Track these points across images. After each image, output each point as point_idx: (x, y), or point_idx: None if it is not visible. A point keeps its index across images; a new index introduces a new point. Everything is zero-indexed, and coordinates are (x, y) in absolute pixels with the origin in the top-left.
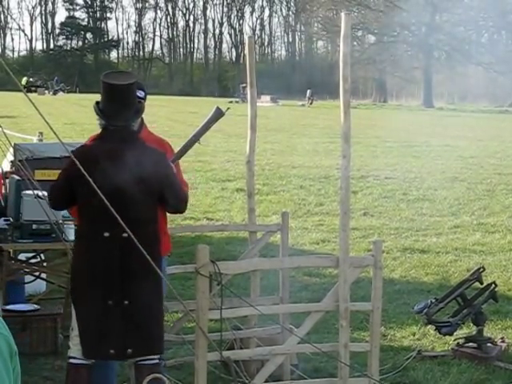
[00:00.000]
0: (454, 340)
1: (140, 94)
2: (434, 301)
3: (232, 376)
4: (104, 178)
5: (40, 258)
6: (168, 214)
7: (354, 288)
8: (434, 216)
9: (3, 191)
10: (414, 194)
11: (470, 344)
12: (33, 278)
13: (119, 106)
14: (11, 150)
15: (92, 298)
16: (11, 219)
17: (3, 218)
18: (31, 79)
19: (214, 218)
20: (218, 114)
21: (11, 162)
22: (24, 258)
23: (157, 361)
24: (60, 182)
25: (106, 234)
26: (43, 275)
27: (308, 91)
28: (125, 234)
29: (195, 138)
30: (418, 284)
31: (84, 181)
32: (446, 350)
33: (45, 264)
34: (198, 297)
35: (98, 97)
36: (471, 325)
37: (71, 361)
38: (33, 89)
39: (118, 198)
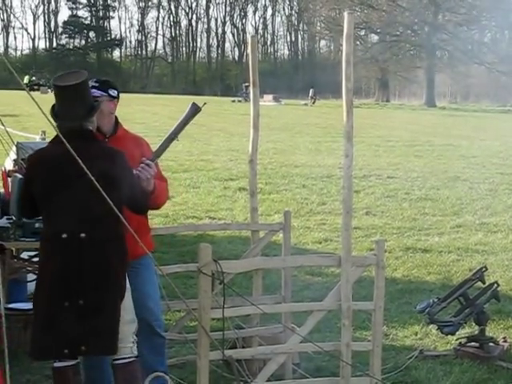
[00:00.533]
0: (456, 339)
1: (113, 92)
2: (436, 300)
3: (234, 375)
4: (58, 178)
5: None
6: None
7: (356, 287)
8: (437, 215)
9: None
10: (417, 193)
11: (472, 343)
12: (35, 276)
13: (67, 106)
14: (14, 148)
15: (49, 298)
16: (13, 218)
17: (6, 217)
18: (34, 78)
19: (217, 217)
20: (195, 110)
21: (14, 160)
22: (26, 257)
23: (132, 359)
24: (21, 187)
25: (64, 236)
26: None
27: (311, 90)
28: (82, 234)
29: (173, 136)
30: (421, 283)
31: (39, 183)
32: (448, 349)
33: None
34: (200, 296)
35: None
36: (473, 324)
37: (55, 365)
38: (35, 87)
39: (72, 199)
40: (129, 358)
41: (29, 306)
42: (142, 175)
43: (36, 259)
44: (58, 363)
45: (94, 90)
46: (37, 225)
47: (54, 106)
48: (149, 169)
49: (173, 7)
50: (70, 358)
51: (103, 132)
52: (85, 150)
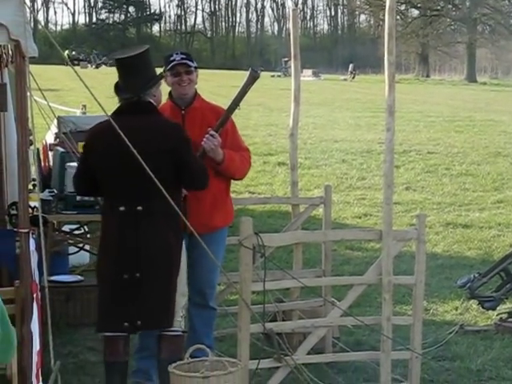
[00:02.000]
0: (497, 315)
1: (191, 63)
2: (477, 275)
3: (274, 348)
4: (115, 152)
5: (84, 229)
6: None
7: (395, 262)
8: (477, 191)
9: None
10: (457, 168)
11: None
12: (76, 249)
13: (126, 78)
14: (55, 122)
15: (110, 271)
16: (55, 191)
17: (47, 190)
18: (73, 52)
19: (256, 192)
20: (254, 77)
21: (55, 134)
22: (68, 230)
23: (179, 333)
24: (80, 161)
25: (122, 208)
26: (87, 247)
27: (350, 65)
28: (139, 207)
29: (234, 105)
30: (461, 259)
31: (98, 156)
32: (489, 324)
33: (88, 235)
34: (241, 269)
35: None
36: None
37: (106, 334)
38: (75, 62)
39: (130, 172)
40: (176, 331)
41: (70, 278)
42: (207, 146)
43: (77, 232)
44: (110, 333)
45: (187, 62)
46: (78, 198)
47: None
48: (213, 139)
49: None
50: (129, 332)
51: (179, 104)
52: (141, 122)
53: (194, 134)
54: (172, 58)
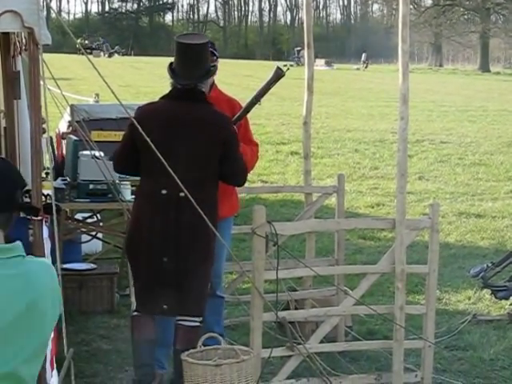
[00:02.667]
0: (510, 304)
1: (215, 52)
2: (490, 265)
3: (287, 336)
4: (165, 135)
5: (96, 217)
6: None
7: (408, 252)
8: (490, 181)
9: (61, 152)
10: (470, 158)
11: None
12: (89, 237)
13: (190, 65)
14: (68, 110)
15: (150, 254)
16: (68, 179)
17: (60, 178)
18: (86, 41)
19: (269, 181)
20: (279, 75)
21: (68, 122)
22: (81, 218)
23: (197, 324)
24: (124, 139)
25: (164, 192)
26: (99, 235)
27: (363, 55)
28: (182, 194)
29: (256, 100)
30: (474, 248)
31: (149, 137)
32: (502, 314)
33: (101, 224)
34: (254, 257)
35: (153, 60)
36: None
37: (135, 314)
38: (88, 51)
39: (177, 157)
40: (193, 321)
41: (83, 266)
42: None
43: (90, 220)
44: (138, 312)
45: (212, 50)
46: (91, 186)
47: (171, 64)
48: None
49: None
50: (168, 315)
51: None
52: (195, 110)
53: None
54: None
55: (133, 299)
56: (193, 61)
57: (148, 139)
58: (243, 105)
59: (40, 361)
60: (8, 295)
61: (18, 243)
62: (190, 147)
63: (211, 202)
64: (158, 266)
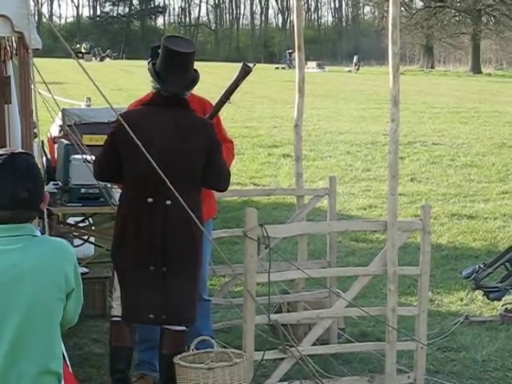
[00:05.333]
0: (502, 305)
1: None
2: (482, 266)
3: (279, 339)
4: (150, 142)
5: (88, 221)
6: None
7: (400, 253)
8: (482, 182)
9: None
10: (462, 159)
11: None
12: (81, 241)
13: (178, 73)
14: (59, 114)
15: (134, 262)
16: (60, 183)
17: (52, 182)
18: (78, 45)
19: (261, 184)
20: (246, 71)
21: (60, 126)
22: (73, 222)
23: (183, 328)
24: (105, 147)
25: (150, 200)
26: (92, 239)
27: (355, 57)
28: (168, 202)
29: (225, 98)
30: (466, 250)
31: (129, 145)
32: (494, 315)
33: (93, 228)
34: (245, 260)
35: (144, 63)
36: None
37: (114, 319)
38: (79, 55)
39: (162, 164)
40: (180, 326)
41: None
42: None
43: (82, 224)
44: (118, 318)
45: None
46: (82, 190)
47: (154, 64)
48: None
49: None
50: (154, 324)
51: None
52: (181, 117)
53: None
54: None
55: (113, 304)
56: (181, 68)
57: (140, 144)
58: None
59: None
60: (5, 267)
61: (30, 225)
62: (176, 153)
63: (197, 208)
64: (144, 275)
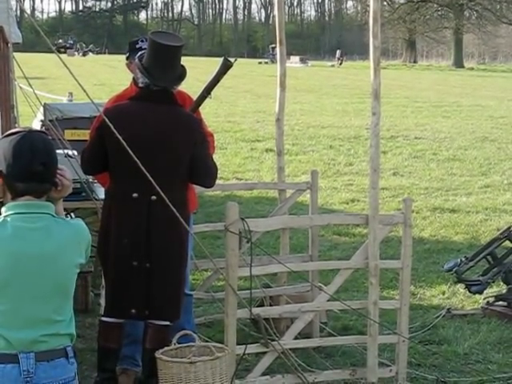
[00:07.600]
0: (484, 299)
1: None
2: (463, 259)
3: (261, 333)
4: (138, 137)
5: (70, 216)
6: None
7: (383, 247)
8: (464, 176)
9: None
10: (444, 153)
11: (500, 303)
12: None
13: (167, 67)
14: (41, 109)
15: (118, 257)
16: None
17: None
18: (60, 40)
19: (244, 178)
20: (227, 66)
21: (41, 121)
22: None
23: (167, 323)
24: (92, 142)
25: (135, 195)
26: None
27: (338, 51)
28: (153, 197)
29: (206, 93)
30: (448, 243)
31: (115, 139)
32: (476, 308)
33: None
34: (227, 254)
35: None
36: (501, 283)
37: (103, 319)
38: (62, 50)
39: (148, 159)
40: (164, 321)
41: None
42: None
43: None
44: (107, 318)
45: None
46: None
47: (141, 60)
48: None
49: None
50: (136, 319)
51: None
52: (168, 112)
53: None
54: (138, 46)
55: (102, 302)
56: (170, 63)
57: (122, 140)
58: (194, 98)
59: (58, 302)
60: (27, 245)
61: (50, 204)
62: (164, 149)
63: (183, 203)
64: (127, 269)
